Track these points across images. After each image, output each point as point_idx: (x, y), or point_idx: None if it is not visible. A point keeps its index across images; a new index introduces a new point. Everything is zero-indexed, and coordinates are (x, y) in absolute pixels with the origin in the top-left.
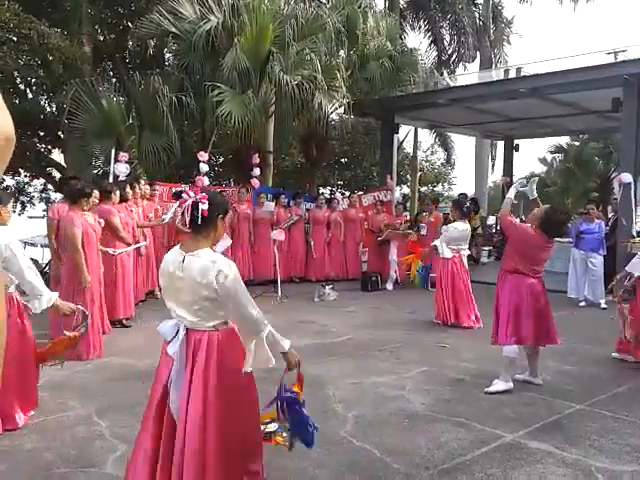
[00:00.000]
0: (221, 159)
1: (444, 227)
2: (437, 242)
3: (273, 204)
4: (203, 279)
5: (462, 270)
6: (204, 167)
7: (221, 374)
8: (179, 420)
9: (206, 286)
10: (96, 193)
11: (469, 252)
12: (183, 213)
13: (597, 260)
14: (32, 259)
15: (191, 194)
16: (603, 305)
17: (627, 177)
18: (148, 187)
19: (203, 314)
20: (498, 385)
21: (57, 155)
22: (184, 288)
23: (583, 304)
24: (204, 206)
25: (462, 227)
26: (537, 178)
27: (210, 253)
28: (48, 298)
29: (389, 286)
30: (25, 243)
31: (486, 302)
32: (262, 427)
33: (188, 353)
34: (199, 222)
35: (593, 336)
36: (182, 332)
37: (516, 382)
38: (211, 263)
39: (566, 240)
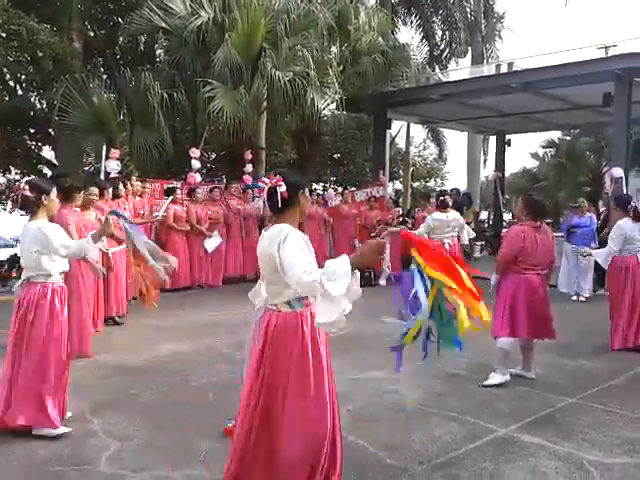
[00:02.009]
0: (213, 155)
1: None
2: (418, 232)
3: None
4: (270, 249)
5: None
6: (196, 163)
7: (274, 358)
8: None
9: (271, 255)
10: (95, 190)
11: (449, 242)
12: (264, 201)
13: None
14: (19, 257)
15: (266, 180)
16: (582, 298)
17: (618, 171)
18: (139, 183)
19: (270, 289)
20: (494, 378)
21: (48, 152)
22: (261, 264)
23: (575, 298)
24: (282, 189)
25: (437, 217)
26: None
27: (280, 225)
28: (88, 241)
29: (382, 282)
30: (16, 241)
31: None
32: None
33: (260, 328)
34: (281, 205)
35: (585, 330)
36: (261, 306)
37: (509, 376)
38: (277, 232)
39: (559, 234)
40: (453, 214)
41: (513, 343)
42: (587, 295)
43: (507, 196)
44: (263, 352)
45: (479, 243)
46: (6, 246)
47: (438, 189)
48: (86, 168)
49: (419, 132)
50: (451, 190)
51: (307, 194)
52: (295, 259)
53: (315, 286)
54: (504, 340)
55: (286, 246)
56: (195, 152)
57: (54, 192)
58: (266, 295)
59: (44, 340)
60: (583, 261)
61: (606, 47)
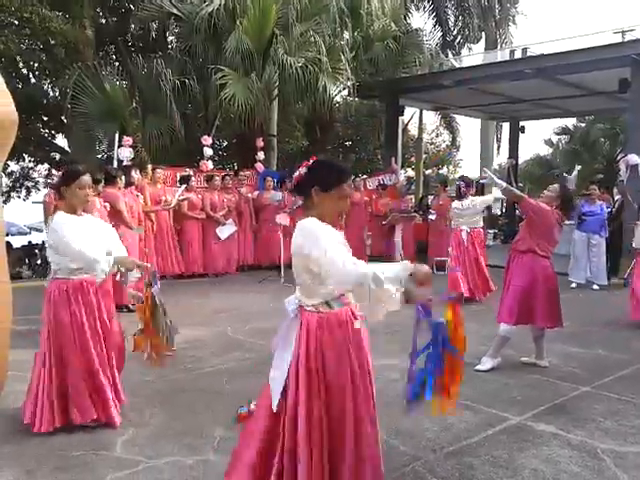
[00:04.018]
0: (225, 143)
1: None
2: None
3: (280, 193)
4: (295, 247)
5: (468, 242)
6: (208, 151)
7: (322, 366)
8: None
9: (297, 255)
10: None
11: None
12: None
13: (597, 241)
14: (33, 244)
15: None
16: (595, 287)
17: (634, 158)
18: (161, 171)
19: (304, 289)
20: (488, 363)
21: (61, 140)
22: (293, 260)
23: (574, 285)
24: (301, 171)
25: (456, 205)
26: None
27: (303, 220)
28: (107, 261)
29: None
30: (30, 228)
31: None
32: None
33: (295, 332)
34: (295, 188)
35: (598, 318)
36: (293, 308)
37: (522, 365)
38: (299, 227)
39: (572, 222)
40: (470, 200)
41: (515, 332)
42: (604, 283)
43: (521, 184)
44: (308, 360)
45: (492, 231)
46: (20, 233)
47: (451, 177)
48: (99, 156)
49: (432, 119)
50: (459, 178)
51: (332, 193)
52: (333, 253)
53: (363, 280)
54: (508, 328)
55: (318, 242)
56: (207, 140)
57: (78, 183)
58: (299, 294)
59: (87, 335)
60: (592, 249)
61: (623, 32)
